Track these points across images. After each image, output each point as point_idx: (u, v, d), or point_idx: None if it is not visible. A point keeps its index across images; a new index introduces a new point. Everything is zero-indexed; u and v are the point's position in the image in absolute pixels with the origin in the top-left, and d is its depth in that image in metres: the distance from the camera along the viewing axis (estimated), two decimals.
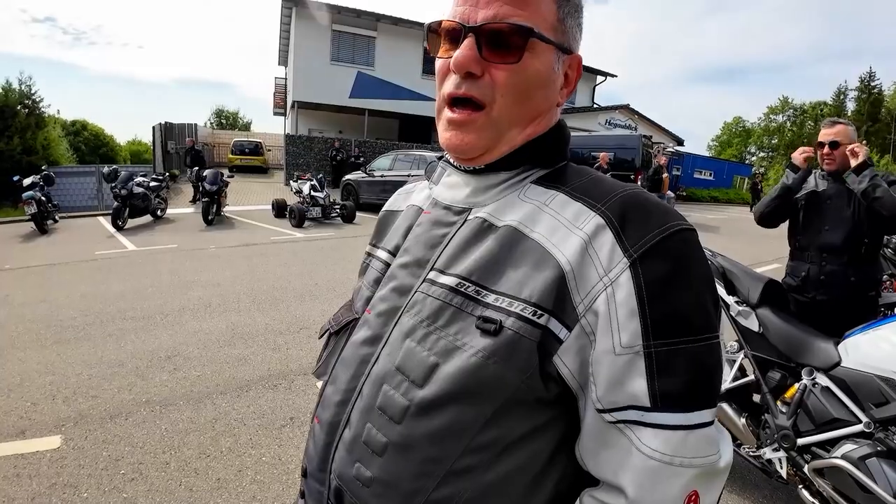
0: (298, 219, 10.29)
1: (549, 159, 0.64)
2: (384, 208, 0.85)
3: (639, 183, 16.26)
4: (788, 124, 56.32)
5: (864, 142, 2.28)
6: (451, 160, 0.68)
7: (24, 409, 2.94)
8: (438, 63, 0.62)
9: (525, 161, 0.63)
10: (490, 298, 0.55)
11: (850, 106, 51.59)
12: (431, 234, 0.65)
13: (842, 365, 1.97)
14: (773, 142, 57.15)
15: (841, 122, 2.50)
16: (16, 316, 4.58)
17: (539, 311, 0.52)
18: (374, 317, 0.65)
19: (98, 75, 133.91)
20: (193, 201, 13.11)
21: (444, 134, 0.62)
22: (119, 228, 9.48)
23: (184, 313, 4.69)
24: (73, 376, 3.34)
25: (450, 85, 0.59)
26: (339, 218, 11.26)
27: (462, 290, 0.57)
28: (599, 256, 0.52)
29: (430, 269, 0.62)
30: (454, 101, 0.60)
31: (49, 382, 3.25)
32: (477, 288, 0.57)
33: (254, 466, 2.43)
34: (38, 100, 14.19)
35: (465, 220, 0.63)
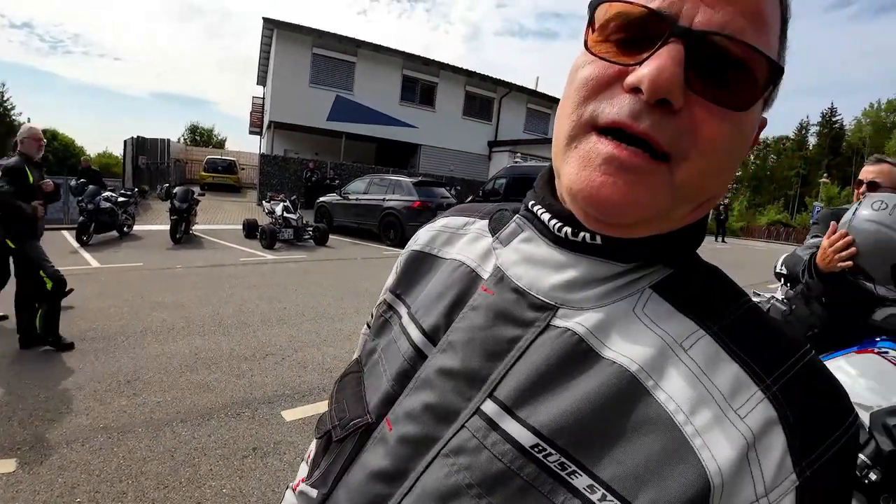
0: (269, 240, 10.24)
1: (678, 252, 0.45)
2: (416, 246, 0.61)
3: None
4: (752, 157, 58.92)
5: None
6: (545, 218, 0.46)
7: None
8: (591, 66, 0.39)
9: (648, 252, 0.43)
10: (581, 483, 0.37)
11: (812, 140, 54.69)
12: (493, 333, 0.45)
13: None
14: (737, 174, 59.64)
15: (888, 162, 2.22)
16: None
17: None
18: (395, 439, 0.46)
19: (73, 84, 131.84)
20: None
21: (581, 174, 0.39)
22: (84, 244, 9.26)
23: (146, 335, 4.63)
24: (31, 397, 3.28)
25: (619, 108, 0.37)
26: (311, 240, 11.25)
27: (540, 456, 0.38)
28: (762, 468, 0.35)
29: (488, 396, 0.42)
30: (612, 133, 0.38)
31: (5, 403, 3.18)
32: (563, 460, 0.38)
33: (213, 499, 2.43)
34: (9, 107, 13.91)
35: (548, 326, 0.43)
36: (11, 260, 4.30)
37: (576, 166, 0.39)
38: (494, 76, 23.27)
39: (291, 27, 18.62)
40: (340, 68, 20.18)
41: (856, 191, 2.31)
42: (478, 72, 22.70)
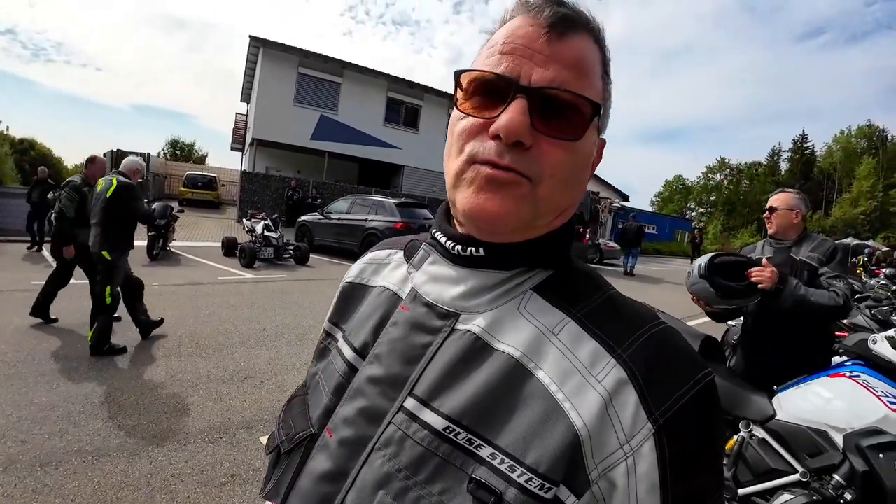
0: (249, 258, 10.15)
1: (553, 259, 0.54)
2: (348, 278, 0.71)
3: (586, 235, 17.25)
4: (726, 182, 60.64)
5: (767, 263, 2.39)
6: (443, 240, 0.56)
7: None
8: (465, 121, 0.50)
9: (527, 258, 0.53)
10: (485, 453, 0.45)
11: (784, 166, 56.45)
12: (410, 342, 0.53)
13: (776, 418, 2.12)
14: (711, 198, 61.38)
15: (786, 190, 2.68)
16: None
17: (547, 485, 0.43)
18: (335, 444, 0.53)
19: (53, 93, 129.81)
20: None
21: (470, 196, 0.49)
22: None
23: (122, 356, 4.57)
24: (2, 417, 3.21)
25: (487, 150, 0.48)
26: (291, 259, 11.18)
27: (451, 436, 0.47)
28: (621, 420, 0.44)
29: (408, 394, 0.50)
30: (487, 164, 0.49)
31: None
32: (470, 436, 0.46)
33: None
34: None
35: (452, 330, 0.52)
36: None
37: (466, 191, 0.49)
38: None
39: (278, 46, 18.75)
40: (325, 88, 20.32)
41: (764, 216, 2.73)
42: None
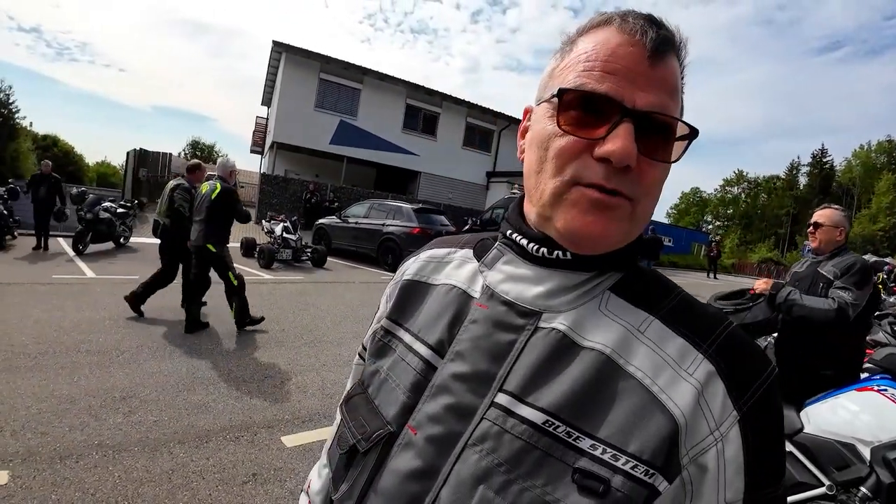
0: (267, 260, 10.17)
1: (625, 261, 0.57)
2: (408, 276, 0.70)
3: None
4: (743, 196, 59.89)
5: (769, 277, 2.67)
6: (523, 242, 0.57)
7: None
8: (564, 139, 0.50)
9: (606, 262, 0.55)
10: (586, 444, 0.47)
11: (803, 180, 55.50)
12: (493, 339, 0.54)
13: (804, 431, 2.12)
14: (728, 212, 60.58)
15: (831, 207, 2.72)
16: None
17: (651, 471, 0.45)
18: (422, 441, 0.53)
19: (76, 92, 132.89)
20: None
21: (576, 218, 0.50)
22: (79, 253, 9.18)
23: (142, 351, 4.54)
24: (23, 409, 3.18)
25: (595, 174, 0.49)
26: (309, 262, 11.19)
27: (551, 430, 0.48)
28: (711, 409, 0.47)
29: (499, 390, 0.51)
30: (595, 188, 0.50)
31: None
32: (569, 429, 0.48)
33: None
34: (14, 110, 13.93)
35: (537, 328, 0.53)
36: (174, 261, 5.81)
37: (570, 212, 0.51)
38: (494, 109, 23.67)
39: (300, 52, 18.90)
40: (346, 94, 20.43)
41: (808, 231, 2.77)
42: (479, 104, 23.08)
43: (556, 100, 0.51)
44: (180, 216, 5.66)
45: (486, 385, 0.52)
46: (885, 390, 2.10)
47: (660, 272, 0.60)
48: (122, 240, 10.62)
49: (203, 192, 5.31)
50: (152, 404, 3.50)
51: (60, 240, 10.70)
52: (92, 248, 9.66)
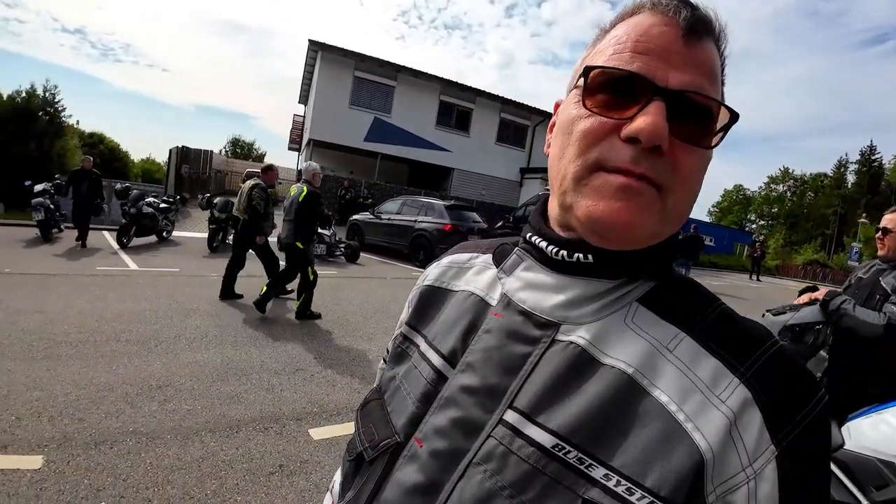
0: None
1: (658, 269, 0.51)
2: (428, 281, 0.67)
3: None
4: (789, 194, 57.56)
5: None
6: (542, 245, 0.53)
7: (8, 423, 2.86)
8: (589, 120, 0.47)
9: (634, 267, 0.50)
10: (598, 473, 0.42)
11: (851, 178, 53.11)
12: (506, 351, 0.50)
13: (844, 447, 1.98)
14: (773, 210, 58.31)
15: None
16: (8, 323, 4.52)
17: None
18: (427, 455, 0.50)
19: (120, 92, 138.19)
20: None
21: (598, 204, 0.45)
22: (123, 246, 9.50)
23: (179, 342, 4.63)
24: (61, 395, 3.27)
25: (620, 157, 0.45)
26: (342, 257, 11.30)
27: (561, 455, 0.44)
28: (745, 441, 0.42)
29: (508, 406, 0.48)
30: (618, 172, 0.46)
31: (36, 398, 3.18)
32: (580, 455, 0.43)
33: None
34: (60, 109, 14.54)
35: (553, 341, 0.49)
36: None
37: (592, 199, 0.46)
38: (529, 104, 23.41)
39: (335, 50, 19.12)
40: (380, 91, 20.58)
41: (876, 236, 2.57)
42: (513, 99, 22.85)
43: (582, 81, 0.48)
44: (256, 212, 6.32)
45: (496, 400, 0.48)
46: None
47: (698, 282, 0.53)
48: (164, 233, 10.92)
49: (292, 194, 5.89)
50: (187, 393, 3.55)
51: (105, 233, 11.12)
52: (135, 241, 9.97)
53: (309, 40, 19.31)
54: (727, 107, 0.47)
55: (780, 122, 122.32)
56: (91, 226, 9.76)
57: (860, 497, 1.87)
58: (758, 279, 22.74)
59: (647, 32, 0.46)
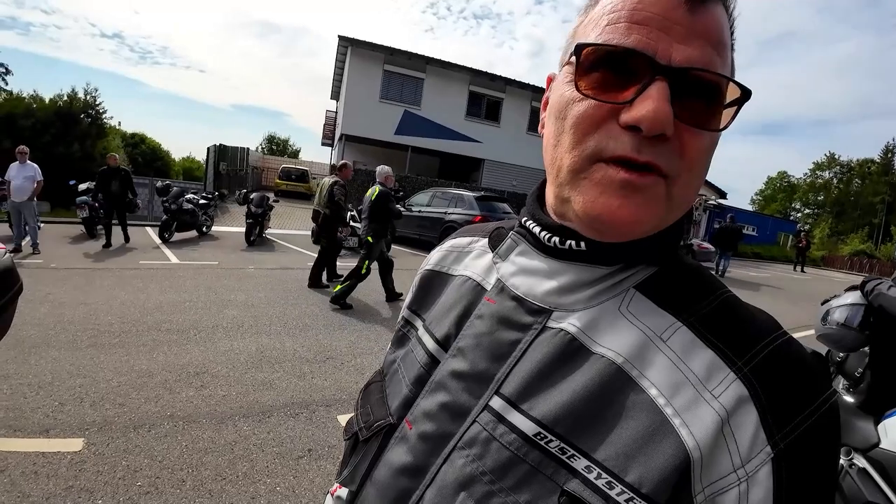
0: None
1: (660, 253, 0.48)
2: (428, 266, 0.67)
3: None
4: (835, 181, 54.99)
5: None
6: (536, 230, 0.51)
7: (52, 407, 3.00)
8: (583, 104, 0.42)
9: (632, 253, 0.47)
10: (580, 465, 0.41)
11: None
12: (496, 337, 0.49)
13: (880, 447, 1.89)
14: (818, 198, 55.84)
15: None
16: (55, 315, 4.75)
17: None
18: (415, 437, 0.50)
19: (159, 93, 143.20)
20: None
21: (598, 199, 0.42)
22: (165, 241, 9.85)
23: (216, 331, 4.77)
24: (103, 382, 3.41)
25: (621, 146, 0.41)
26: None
27: (542, 443, 0.43)
28: (738, 441, 0.39)
29: (495, 393, 0.47)
30: (618, 163, 0.42)
31: (79, 385, 3.33)
32: (563, 445, 0.42)
33: (267, 495, 2.40)
34: (101, 111, 15.13)
35: (544, 328, 0.47)
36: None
37: (591, 193, 0.42)
38: None
39: (365, 45, 19.23)
40: (409, 84, 20.61)
41: None
42: (544, 87, 22.41)
43: (574, 59, 0.43)
44: (338, 206, 7.03)
45: (484, 386, 0.48)
46: None
47: (705, 267, 0.50)
48: (204, 229, 11.28)
49: (367, 195, 6.48)
50: (222, 380, 3.66)
51: (147, 229, 11.54)
52: (176, 236, 10.32)
53: (339, 36, 19.52)
54: (737, 83, 0.42)
55: (825, 106, 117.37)
56: (129, 222, 10.10)
57: (894, 499, 1.79)
58: (802, 270, 21.78)
59: None
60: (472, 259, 0.61)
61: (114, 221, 9.29)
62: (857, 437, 1.96)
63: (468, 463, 0.45)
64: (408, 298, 0.67)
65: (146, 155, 21.37)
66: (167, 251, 9.05)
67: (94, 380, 3.43)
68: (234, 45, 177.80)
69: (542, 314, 0.48)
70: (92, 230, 9.90)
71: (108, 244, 8.91)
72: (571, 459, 0.41)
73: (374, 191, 6.38)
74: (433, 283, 0.64)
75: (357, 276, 6.21)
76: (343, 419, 3.25)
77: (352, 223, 11.26)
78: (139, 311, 5.12)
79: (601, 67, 0.42)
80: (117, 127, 18.25)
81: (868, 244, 37.11)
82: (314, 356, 4.38)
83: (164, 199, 10.22)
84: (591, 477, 0.40)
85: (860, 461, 1.92)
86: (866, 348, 3.18)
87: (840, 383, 3.26)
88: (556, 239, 0.48)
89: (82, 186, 10.12)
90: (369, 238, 6.32)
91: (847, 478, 1.94)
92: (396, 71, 20.16)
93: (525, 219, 0.53)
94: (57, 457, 2.52)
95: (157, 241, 9.94)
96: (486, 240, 0.62)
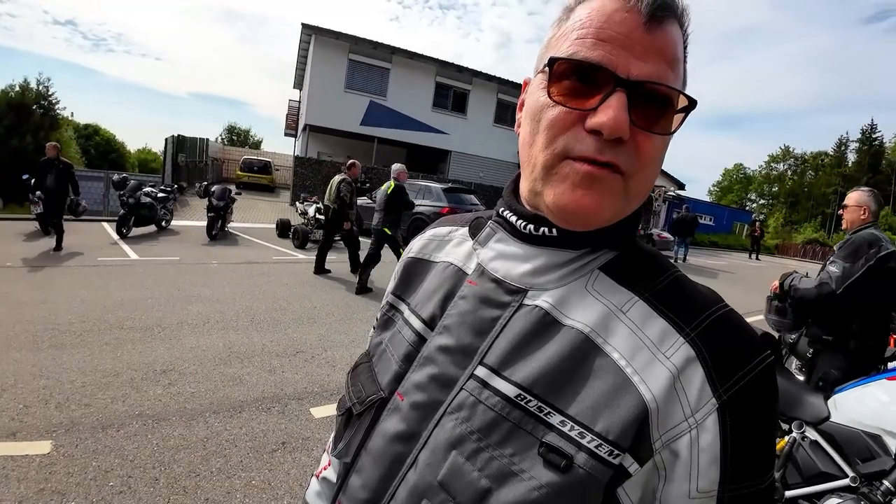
0: (301, 240, 10.38)
1: (620, 239, 0.56)
2: (411, 253, 0.73)
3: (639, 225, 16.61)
4: (789, 173, 57.32)
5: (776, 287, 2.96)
6: (512, 219, 0.58)
7: (17, 410, 2.94)
8: (555, 110, 0.49)
9: (596, 239, 0.54)
10: (555, 420, 0.48)
11: (851, 157, 52.78)
12: (479, 315, 0.56)
13: (831, 420, 2.04)
14: (773, 190, 58.18)
15: (860, 189, 2.88)
16: (14, 315, 4.60)
17: (616, 451, 0.45)
18: (407, 407, 0.56)
19: (114, 82, 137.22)
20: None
21: (565, 192, 0.49)
22: (123, 236, 9.54)
23: (182, 328, 4.71)
24: (68, 382, 3.35)
25: (586, 147, 0.47)
26: (342, 242, 11.32)
27: (522, 403, 0.49)
28: (687, 394, 0.46)
29: (479, 363, 0.53)
30: (583, 160, 0.49)
31: (43, 386, 3.26)
32: (540, 404, 0.49)
33: (243, 489, 2.43)
34: (54, 101, 14.46)
35: (521, 305, 0.54)
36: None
37: (560, 187, 0.49)
38: None
39: (329, 33, 18.91)
40: (375, 74, 20.40)
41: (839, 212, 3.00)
42: (510, 80, 22.64)
43: (548, 70, 0.50)
44: (343, 203, 7.57)
45: (469, 358, 0.54)
46: None
47: (660, 252, 0.58)
48: (163, 223, 10.97)
49: (381, 189, 6.98)
50: (190, 377, 3.63)
51: (105, 224, 11.16)
52: (135, 231, 10.02)
53: (302, 24, 19.12)
54: (686, 94, 0.49)
55: (782, 100, 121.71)
56: (88, 218, 9.71)
57: (846, 468, 1.93)
58: (757, 258, 22.76)
59: (610, 19, 0.47)
60: (452, 247, 0.68)
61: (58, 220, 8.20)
62: (809, 411, 2.10)
63: (457, 425, 0.51)
64: (391, 285, 0.73)
65: (100, 146, 20.55)
66: (126, 247, 8.79)
67: (59, 381, 3.36)
68: (193, 31, 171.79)
69: (518, 293, 0.55)
70: (46, 227, 9.52)
71: (57, 247, 7.94)
72: (548, 416, 0.48)
73: (389, 185, 6.87)
74: (416, 269, 0.70)
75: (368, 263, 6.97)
76: (316, 412, 3.29)
77: (317, 215, 11.17)
78: (100, 310, 5.00)
79: (570, 77, 0.48)
80: (70, 118, 17.46)
81: (821, 233, 38.90)
82: (284, 350, 4.38)
83: (121, 192, 9.86)
84: (566, 429, 0.47)
85: (812, 434, 2.06)
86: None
87: (793, 363, 3.51)
88: (530, 226, 0.55)
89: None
90: (385, 229, 6.79)
91: (800, 450, 2.08)
92: (362, 60, 19.91)
93: (502, 209, 0.60)
94: (26, 460, 2.48)
95: (115, 236, 9.63)
96: (466, 229, 0.68)
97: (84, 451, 2.60)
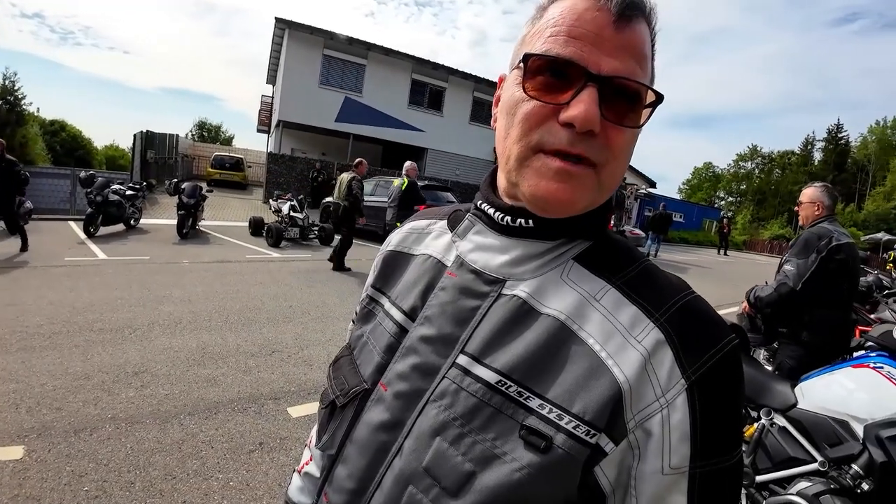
0: (275, 238, 10.27)
1: (593, 230, 0.59)
2: (390, 247, 0.75)
3: (611, 222, 16.94)
4: (757, 171, 58.96)
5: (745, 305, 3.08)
6: (490, 212, 0.60)
7: None
8: (529, 104, 0.52)
9: (571, 230, 0.57)
10: (534, 403, 0.50)
11: (818, 156, 54.52)
12: (459, 305, 0.58)
13: (798, 406, 2.13)
14: (741, 187, 59.75)
15: (812, 185, 2.96)
16: None
17: (592, 431, 0.48)
18: (391, 396, 0.58)
19: (82, 76, 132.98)
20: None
21: (540, 184, 0.52)
22: (90, 235, 9.31)
23: (153, 328, 4.65)
24: (38, 386, 3.29)
25: (558, 140, 0.50)
26: (316, 240, 11.28)
27: (503, 389, 0.51)
28: (658, 375, 0.49)
29: (460, 352, 0.55)
30: (559, 155, 0.51)
31: (12, 390, 3.20)
32: (520, 389, 0.51)
33: (220, 491, 2.44)
34: (20, 97, 14.01)
35: (500, 295, 0.57)
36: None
37: (535, 179, 0.52)
38: None
39: (303, 28, 18.69)
40: (350, 70, 20.25)
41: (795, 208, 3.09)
42: (486, 78, 22.74)
43: (522, 65, 0.52)
44: (356, 199, 7.89)
45: (450, 347, 0.56)
46: (881, 367, 2.05)
47: (629, 242, 0.61)
48: (132, 221, 10.72)
49: (395, 185, 7.50)
50: (164, 378, 3.60)
51: (72, 223, 10.87)
52: (103, 230, 9.79)
53: (276, 18, 18.82)
54: (653, 90, 0.52)
55: (751, 100, 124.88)
56: (56, 216, 9.45)
57: (814, 453, 2.01)
58: (725, 254, 23.47)
59: (581, 17, 0.50)
60: (431, 239, 0.70)
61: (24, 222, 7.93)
62: (777, 399, 2.19)
63: (441, 412, 0.53)
64: (370, 278, 0.74)
65: (66, 143, 19.95)
66: (94, 246, 8.59)
67: (28, 384, 3.30)
68: (162, 25, 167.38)
69: (497, 283, 0.57)
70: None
71: (23, 247, 7.71)
72: (528, 400, 0.50)
73: (403, 181, 7.30)
74: (395, 262, 0.72)
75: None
76: (293, 411, 3.30)
77: (291, 213, 11.09)
78: (69, 311, 4.90)
79: (544, 73, 0.51)
80: (36, 114, 16.94)
81: (787, 229, 40.26)
82: (259, 350, 4.36)
83: (89, 190, 9.60)
84: (545, 412, 0.49)
85: (780, 421, 2.15)
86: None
87: (762, 354, 3.66)
88: (507, 218, 0.57)
89: None
90: (398, 224, 7.10)
91: (769, 436, 2.16)
92: (337, 56, 19.74)
93: (480, 202, 0.62)
94: None
95: (83, 235, 9.39)
96: (445, 221, 0.70)
97: (57, 455, 2.57)
